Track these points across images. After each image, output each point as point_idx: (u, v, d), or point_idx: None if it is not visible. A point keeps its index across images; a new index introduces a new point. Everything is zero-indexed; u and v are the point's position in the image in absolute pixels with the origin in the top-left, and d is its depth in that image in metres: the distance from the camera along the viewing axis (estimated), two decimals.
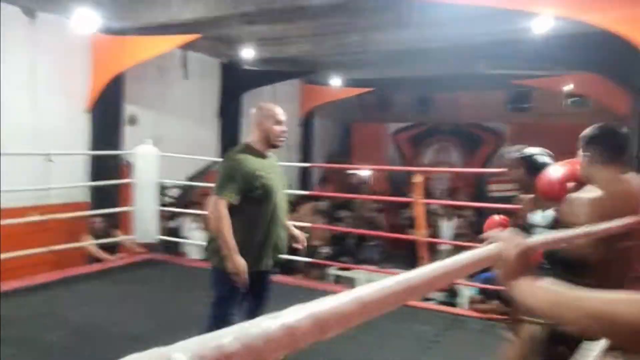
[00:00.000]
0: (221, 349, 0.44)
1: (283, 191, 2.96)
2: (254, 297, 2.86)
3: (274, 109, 2.87)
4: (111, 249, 5.74)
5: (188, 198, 7.45)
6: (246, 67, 8.13)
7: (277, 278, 4.42)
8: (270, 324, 0.49)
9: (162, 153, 5.63)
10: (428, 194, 10.20)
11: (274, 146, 2.88)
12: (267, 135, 2.83)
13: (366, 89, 10.27)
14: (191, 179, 7.34)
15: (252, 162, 2.76)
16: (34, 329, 3.64)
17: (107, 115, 6.41)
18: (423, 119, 11.55)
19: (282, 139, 2.87)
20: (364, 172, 10.63)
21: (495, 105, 10.54)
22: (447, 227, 7.80)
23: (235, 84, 8.34)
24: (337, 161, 11.36)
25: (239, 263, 2.63)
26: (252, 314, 2.78)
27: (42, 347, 3.40)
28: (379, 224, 8.64)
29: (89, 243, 5.51)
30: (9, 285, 4.28)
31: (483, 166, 10.20)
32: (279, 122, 2.84)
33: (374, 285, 0.65)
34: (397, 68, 9.05)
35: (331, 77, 9.70)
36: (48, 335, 3.56)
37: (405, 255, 6.73)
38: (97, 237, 5.59)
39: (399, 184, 9.84)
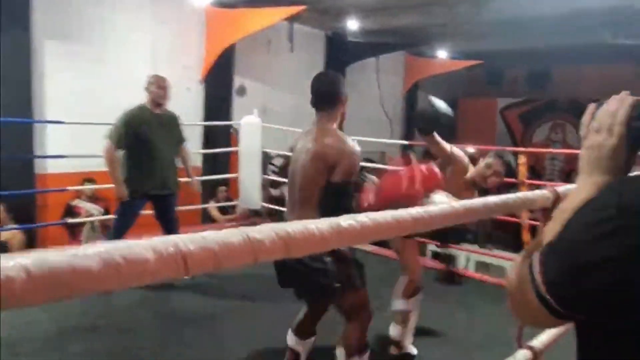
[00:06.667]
0: (179, 249, 0.44)
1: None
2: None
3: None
4: (226, 210, 6.22)
5: None
6: (351, 39, 8.11)
7: (376, 250, 4.46)
8: (232, 234, 0.48)
9: (266, 124, 5.83)
10: (539, 175, 9.65)
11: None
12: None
13: (475, 62, 9.78)
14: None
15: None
16: None
17: (219, 86, 6.76)
18: (538, 94, 10.80)
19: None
20: (470, 149, 10.22)
21: (623, 79, 9.56)
22: None
23: (340, 57, 8.36)
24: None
25: None
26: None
27: (159, 291, 3.76)
28: None
29: (212, 205, 6.15)
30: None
31: None
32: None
33: (356, 218, 0.62)
34: (510, 39, 8.50)
35: (438, 49, 9.38)
36: (168, 281, 3.93)
37: (508, 237, 6.44)
38: (218, 202, 6.17)
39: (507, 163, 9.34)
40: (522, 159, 4.67)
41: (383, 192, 2.26)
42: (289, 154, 7.61)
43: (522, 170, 4.60)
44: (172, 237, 0.45)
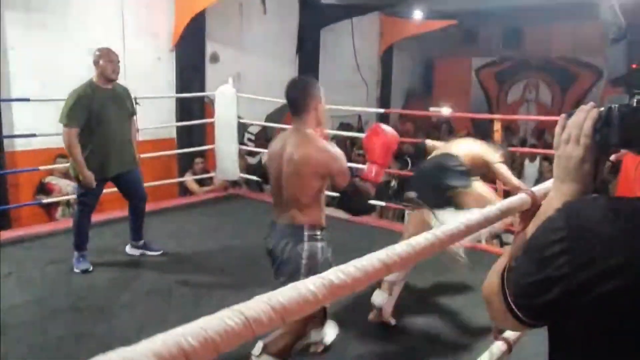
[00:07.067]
0: (181, 348, 0.45)
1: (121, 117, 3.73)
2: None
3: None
4: (203, 181, 6.14)
5: (267, 135, 7.64)
6: (325, 1, 7.93)
7: (353, 218, 4.50)
8: (229, 318, 0.50)
9: (241, 94, 5.74)
10: (512, 134, 9.79)
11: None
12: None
13: (450, 22, 9.67)
14: (270, 116, 7.51)
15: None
16: (132, 256, 4.04)
17: (191, 53, 6.58)
18: (511, 53, 10.82)
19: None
20: (447, 109, 10.25)
21: (594, 37, 9.63)
22: (531, 167, 7.49)
23: (314, 20, 8.18)
24: (417, 99, 11.04)
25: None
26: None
27: (139, 269, 3.77)
28: None
29: (189, 178, 6.03)
30: (107, 215, 4.71)
31: (577, 105, 9.49)
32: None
33: (344, 270, 0.64)
34: None
35: (413, 10, 9.23)
36: (147, 259, 3.98)
37: None
38: (195, 174, 6.06)
39: (483, 124, 9.45)
40: (497, 126, 4.76)
41: (376, 155, 2.38)
42: (263, 123, 7.59)
43: (497, 137, 4.69)
44: (173, 336, 0.45)
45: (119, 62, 3.69)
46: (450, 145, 3.14)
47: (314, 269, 2.22)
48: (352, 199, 2.30)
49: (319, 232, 2.30)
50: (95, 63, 3.61)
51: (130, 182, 3.87)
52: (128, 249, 4.07)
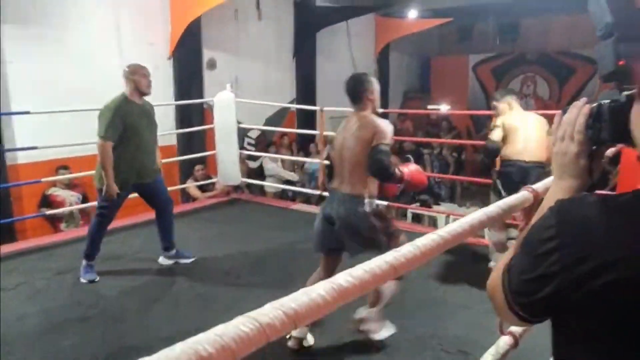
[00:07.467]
0: (200, 356, 0.47)
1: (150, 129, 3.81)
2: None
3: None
4: (205, 187, 6.15)
5: (267, 139, 7.66)
6: (320, 3, 7.96)
7: None
8: (243, 324, 0.51)
9: (240, 99, 5.76)
10: None
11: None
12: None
13: (445, 19, 9.69)
14: (269, 119, 7.52)
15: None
16: (139, 261, 4.06)
17: (188, 61, 6.60)
18: (507, 48, 10.83)
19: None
20: (445, 107, 10.28)
21: (591, 30, 9.60)
22: None
23: (309, 23, 8.21)
24: (414, 97, 11.05)
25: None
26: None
27: (146, 277, 3.79)
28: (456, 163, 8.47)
29: (191, 184, 6.04)
30: (114, 224, 4.72)
31: (574, 99, 9.50)
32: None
33: (352, 274, 0.65)
34: None
35: (408, 9, 9.26)
36: (153, 266, 4.00)
37: (483, 190, 6.58)
38: (197, 181, 6.07)
39: (482, 120, 9.48)
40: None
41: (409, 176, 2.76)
42: (262, 127, 7.61)
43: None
44: (190, 344, 0.47)
45: (150, 76, 3.72)
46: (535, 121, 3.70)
47: (373, 231, 2.62)
48: (385, 158, 2.57)
49: (375, 201, 2.68)
50: (127, 79, 3.64)
51: (156, 189, 3.91)
52: (161, 259, 4.07)
